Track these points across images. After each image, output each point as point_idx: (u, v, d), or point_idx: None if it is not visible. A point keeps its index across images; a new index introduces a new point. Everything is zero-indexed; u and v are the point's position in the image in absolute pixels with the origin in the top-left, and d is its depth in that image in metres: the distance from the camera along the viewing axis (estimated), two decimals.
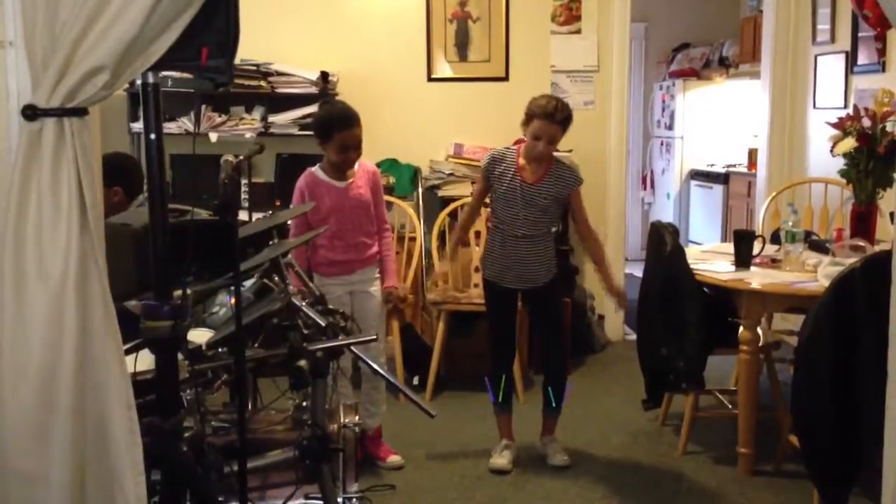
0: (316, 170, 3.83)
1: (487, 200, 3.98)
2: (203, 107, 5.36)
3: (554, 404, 3.97)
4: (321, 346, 2.53)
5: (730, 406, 4.29)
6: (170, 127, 5.20)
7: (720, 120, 8.26)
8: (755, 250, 3.97)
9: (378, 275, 3.98)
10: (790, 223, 3.95)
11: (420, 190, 5.55)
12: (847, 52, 5.27)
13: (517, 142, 5.47)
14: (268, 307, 2.61)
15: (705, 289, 3.82)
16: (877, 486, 2.25)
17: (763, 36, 6.11)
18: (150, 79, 1.91)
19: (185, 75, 2.10)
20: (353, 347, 2.68)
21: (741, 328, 3.77)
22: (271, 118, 5.39)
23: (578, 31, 5.79)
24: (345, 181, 3.80)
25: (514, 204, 3.78)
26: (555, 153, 3.84)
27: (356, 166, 3.83)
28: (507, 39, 5.74)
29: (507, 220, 3.82)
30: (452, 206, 5.15)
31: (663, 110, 8.65)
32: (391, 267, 4.02)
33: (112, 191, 3.62)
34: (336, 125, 3.69)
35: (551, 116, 3.67)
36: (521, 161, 3.80)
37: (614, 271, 3.89)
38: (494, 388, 3.95)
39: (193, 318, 2.51)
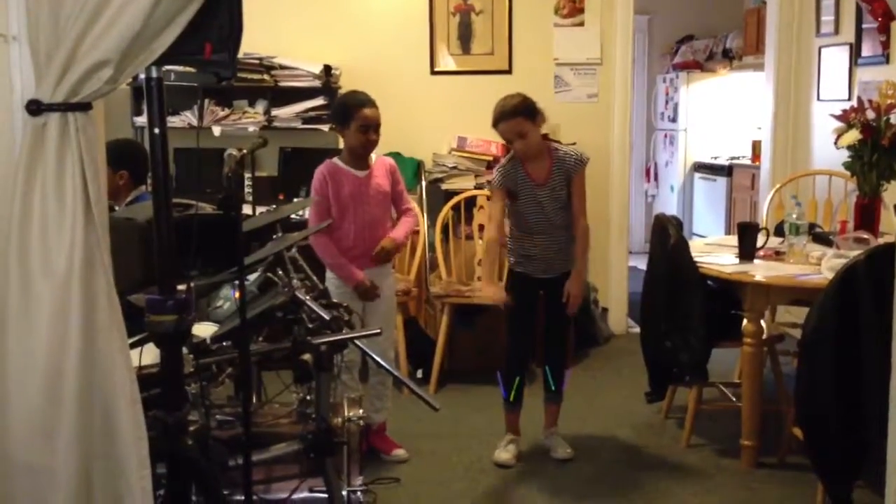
0: (336, 160, 3.85)
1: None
2: (206, 100, 5.36)
3: (553, 387, 3.97)
4: (325, 340, 2.54)
5: (733, 399, 4.28)
6: (173, 121, 5.20)
7: (724, 112, 8.24)
8: (759, 243, 3.96)
9: (392, 270, 3.99)
10: (794, 215, 3.95)
11: (423, 183, 5.55)
12: (851, 44, 5.26)
13: None
14: (272, 301, 2.61)
15: (709, 281, 3.82)
16: (880, 477, 2.25)
17: (767, 28, 6.10)
18: (154, 73, 1.91)
19: (189, 69, 2.10)
20: (359, 342, 2.68)
21: (745, 321, 3.77)
22: (274, 112, 5.39)
23: (581, 24, 5.78)
24: (364, 171, 3.82)
25: (535, 208, 3.80)
26: (557, 145, 3.84)
27: (373, 159, 3.85)
28: (511, 32, 5.73)
29: (532, 223, 3.83)
30: (456, 199, 5.15)
31: (667, 103, 8.64)
32: (403, 228, 3.99)
33: (118, 174, 3.67)
34: (354, 105, 3.72)
35: (504, 114, 3.69)
36: (527, 166, 3.79)
37: (585, 269, 3.85)
38: (507, 387, 3.94)
39: (198, 312, 2.52)
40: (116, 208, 3.60)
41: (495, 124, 3.74)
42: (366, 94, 3.81)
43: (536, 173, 3.78)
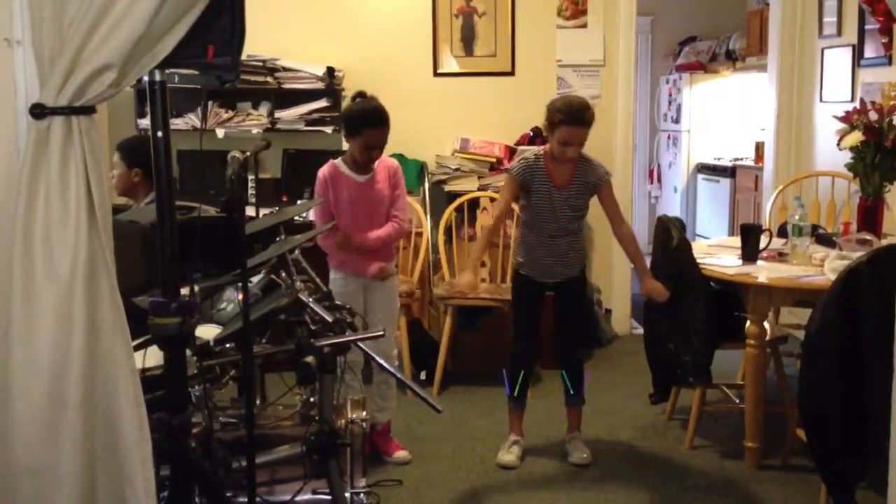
0: (339, 162, 3.85)
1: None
2: (210, 103, 5.37)
3: (572, 391, 3.97)
4: (328, 341, 2.54)
5: (737, 400, 4.28)
6: (177, 123, 5.21)
7: (727, 113, 8.24)
8: (762, 244, 3.96)
9: (394, 269, 3.99)
10: (797, 217, 3.94)
11: (426, 185, 5.56)
12: (854, 46, 5.25)
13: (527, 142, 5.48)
14: (275, 303, 2.62)
15: (712, 283, 3.82)
16: (884, 479, 2.25)
17: (770, 29, 6.10)
18: (157, 76, 1.92)
19: (192, 72, 2.10)
20: (362, 343, 2.69)
21: (748, 322, 3.77)
22: (278, 114, 5.39)
23: (584, 26, 5.79)
24: (366, 175, 3.82)
25: (549, 210, 3.78)
26: (582, 152, 3.82)
27: (377, 162, 3.84)
28: (513, 34, 5.73)
29: (542, 223, 3.81)
30: (459, 200, 5.16)
31: (670, 104, 8.64)
32: (380, 232, 3.83)
33: (133, 172, 3.68)
34: (365, 122, 3.68)
35: (580, 120, 3.63)
36: (550, 166, 3.76)
37: (646, 268, 3.78)
38: (511, 383, 3.94)
39: (201, 314, 2.52)
40: (134, 205, 3.62)
41: (558, 124, 3.63)
42: (378, 107, 3.73)
43: (558, 175, 3.76)
